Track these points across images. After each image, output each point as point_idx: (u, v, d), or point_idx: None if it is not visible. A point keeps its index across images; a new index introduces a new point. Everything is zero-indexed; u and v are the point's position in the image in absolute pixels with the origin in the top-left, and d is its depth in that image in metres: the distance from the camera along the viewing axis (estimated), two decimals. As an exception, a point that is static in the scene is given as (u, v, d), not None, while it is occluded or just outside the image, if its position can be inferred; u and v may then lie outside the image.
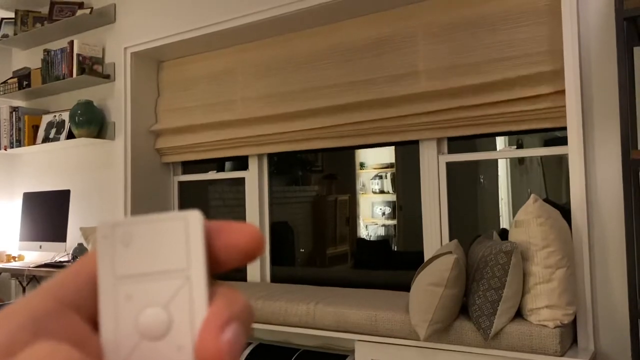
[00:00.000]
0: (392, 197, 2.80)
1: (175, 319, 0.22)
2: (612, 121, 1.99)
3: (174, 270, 0.23)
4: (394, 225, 2.80)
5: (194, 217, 0.23)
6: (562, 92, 2.12)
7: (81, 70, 3.33)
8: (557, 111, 2.15)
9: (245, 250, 0.23)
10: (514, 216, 2.42)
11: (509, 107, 2.26)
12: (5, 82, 3.79)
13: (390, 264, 2.77)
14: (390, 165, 2.86)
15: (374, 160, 2.89)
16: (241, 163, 3.23)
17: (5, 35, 3.81)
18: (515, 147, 2.42)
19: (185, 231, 0.23)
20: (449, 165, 2.53)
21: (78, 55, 3.33)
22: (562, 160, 2.34)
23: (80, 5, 3.53)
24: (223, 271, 0.24)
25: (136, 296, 0.23)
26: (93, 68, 3.38)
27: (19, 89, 3.68)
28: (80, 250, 3.22)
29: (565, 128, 2.10)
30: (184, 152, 3.28)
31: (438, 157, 2.54)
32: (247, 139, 2.98)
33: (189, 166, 3.46)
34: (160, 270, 0.23)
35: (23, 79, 3.69)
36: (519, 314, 1.92)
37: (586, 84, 2.04)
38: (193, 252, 0.23)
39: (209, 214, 3.38)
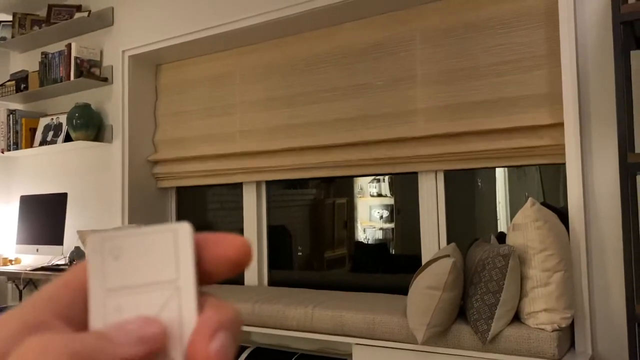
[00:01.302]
0: (390, 201, 2.80)
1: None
2: (610, 125, 2.00)
3: (163, 282, 0.23)
4: (392, 229, 2.79)
5: (183, 229, 0.23)
6: (562, 128, 2.12)
7: (79, 73, 3.33)
8: (556, 148, 2.16)
9: (233, 261, 0.24)
10: (511, 219, 2.42)
11: (508, 133, 2.25)
12: (2, 84, 3.78)
13: (388, 267, 2.77)
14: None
15: (372, 164, 2.89)
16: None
17: (3, 38, 3.80)
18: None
19: (174, 243, 0.23)
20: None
21: (76, 58, 3.33)
22: (559, 164, 2.34)
23: (78, 8, 3.53)
24: (213, 282, 0.24)
25: (126, 308, 0.23)
26: (91, 71, 3.38)
27: (17, 91, 3.68)
28: (77, 254, 3.22)
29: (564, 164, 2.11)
30: (180, 177, 3.27)
31: (436, 160, 2.54)
32: (244, 168, 2.98)
33: (186, 169, 3.45)
34: (149, 281, 0.23)
35: (20, 81, 3.69)
36: (516, 318, 1.92)
37: (583, 88, 2.05)
38: (182, 263, 0.23)
39: (207, 217, 3.38)
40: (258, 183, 3.10)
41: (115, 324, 0.22)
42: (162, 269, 0.23)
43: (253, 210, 3.10)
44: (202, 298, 0.23)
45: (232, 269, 0.24)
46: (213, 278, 0.24)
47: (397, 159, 2.51)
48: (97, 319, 0.23)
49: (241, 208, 3.17)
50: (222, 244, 0.24)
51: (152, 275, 0.23)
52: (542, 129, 2.19)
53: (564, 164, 2.10)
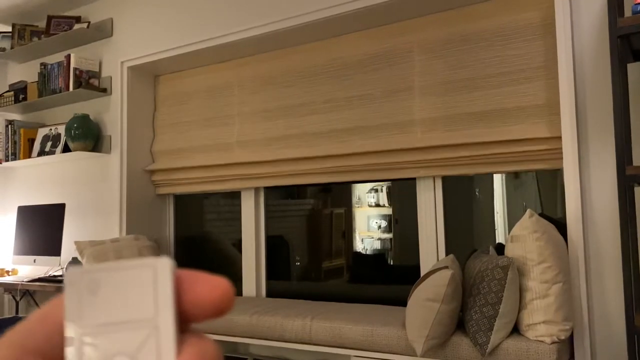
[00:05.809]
0: (388, 211, 2.80)
1: None
2: (607, 136, 1.99)
3: (142, 320, 0.22)
4: (390, 239, 2.78)
5: (163, 265, 0.23)
6: (559, 140, 2.13)
7: (78, 84, 3.33)
8: (553, 153, 2.16)
9: (214, 305, 0.23)
10: (509, 230, 2.42)
11: (505, 145, 2.26)
12: (1, 95, 3.79)
13: (386, 278, 2.76)
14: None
15: (370, 174, 2.88)
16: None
17: (2, 49, 3.81)
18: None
19: (153, 279, 0.22)
20: (445, 178, 2.53)
21: (75, 69, 3.33)
22: (557, 174, 2.34)
23: (78, 20, 3.54)
24: (191, 323, 0.23)
25: (103, 346, 0.22)
26: (89, 82, 3.38)
27: (15, 102, 3.68)
28: (74, 265, 3.20)
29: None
30: (177, 184, 3.27)
31: (434, 171, 2.53)
32: (242, 175, 2.98)
33: (185, 179, 3.44)
34: (127, 319, 0.22)
35: (19, 92, 3.69)
36: (515, 330, 1.91)
37: (581, 100, 2.05)
38: (161, 300, 0.22)
39: (204, 228, 3.37)
40: (256, 190, 3.09)
41: None
42: (141, 306, 0.22)
43: (251, 220, 3.09)
44: (182, 336, 0.22)
45: (212, 313, 0.23)
46: (192, 320, 0.23)
47: (394, 163, 2.51)
48: (74, 357, 0.22)
49: (239, 218, 3.16)
50: (204, 286, 0.23)
51: (130, 313, 0.22)
52: (539, 140, 2.19)
53: (561, 169, 2.10)
